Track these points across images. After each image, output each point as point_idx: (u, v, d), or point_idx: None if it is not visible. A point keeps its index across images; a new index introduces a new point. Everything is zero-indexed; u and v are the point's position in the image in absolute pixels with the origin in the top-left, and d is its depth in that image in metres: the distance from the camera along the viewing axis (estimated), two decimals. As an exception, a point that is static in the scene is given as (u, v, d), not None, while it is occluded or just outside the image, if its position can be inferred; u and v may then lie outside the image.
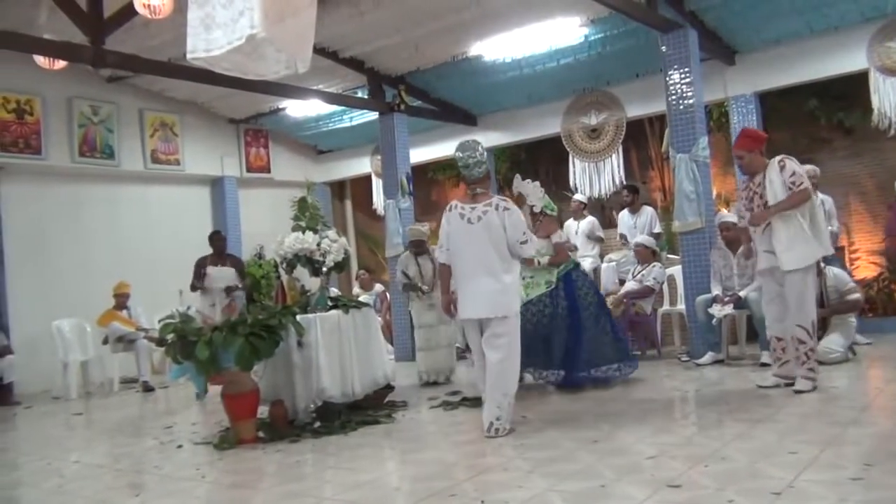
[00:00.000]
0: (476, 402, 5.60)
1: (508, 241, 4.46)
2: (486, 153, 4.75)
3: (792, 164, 5.05)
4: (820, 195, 6.36)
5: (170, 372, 7.79)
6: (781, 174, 5.02)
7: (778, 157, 5.11)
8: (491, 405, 4.45)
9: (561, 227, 9.05)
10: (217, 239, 8.28)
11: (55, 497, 3.98)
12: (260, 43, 4.26)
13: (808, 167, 6.08)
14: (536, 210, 6.10)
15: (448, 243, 4.58)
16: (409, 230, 7.56)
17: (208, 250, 11.38)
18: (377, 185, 11.28)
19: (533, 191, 6.15)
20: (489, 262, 4.43)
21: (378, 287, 10.60)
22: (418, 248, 7.32)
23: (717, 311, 6.63)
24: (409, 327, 9.22)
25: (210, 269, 8.01)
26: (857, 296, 6.38)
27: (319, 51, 8.26)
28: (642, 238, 7.95)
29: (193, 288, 8.11)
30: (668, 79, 7.29)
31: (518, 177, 6.38)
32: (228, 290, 7.98)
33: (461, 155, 4.61)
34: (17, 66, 8.27)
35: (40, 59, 7.00)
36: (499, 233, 4.44)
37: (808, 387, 4.96)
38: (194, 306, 7.25)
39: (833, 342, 6.15)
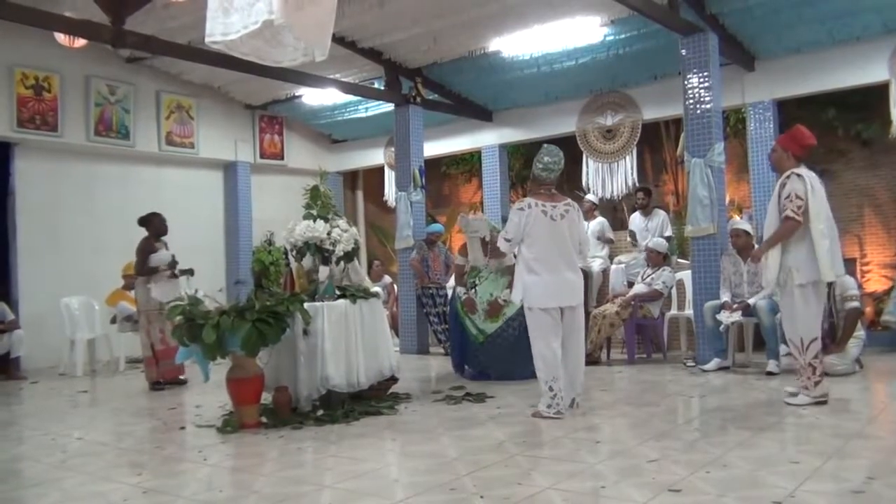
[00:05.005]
0: (479, 398, 5.62)
1: (580, 238, 5.05)
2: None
3: (792, 184, 4.83)
4: None
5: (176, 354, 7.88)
6: (780, 192, 4.89)
7: (789, 172, 4.93)
8: (575, 383, 4.98)
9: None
10: (159, 221, 7.42)
11: (57, 472, 4.01)
12: (279, 30, 4.28)
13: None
14: (487, 239, 6.68)
15: (524, 237, 4.90)
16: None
17: (218, 234, 11.48)
18: (389, 177, 11.28)
19: (480, 224, 6.81)
20: (570, 256, 4.96)
21: (386, 279, 10.61)
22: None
23: (725, 317, 6.60)
24: (415, 320, 9.26)
25: (166, 254, 7.30)
26: (855, 304, 6.20)
27: (338, 40, 8.26)
28: (654, 242, 7.91)
29: (148, 273, 7.21)
30: (686, 82, 7.25)
31: (462, 216, 7.07)
32: (181, 272, 7.35)
33: (549, 160, 5.00)
34: (37, 43, 8.32)
35: (60, 37, 7.03)
36: (575, 230, 5.00)
37: (801, 401, 4.88)
38: (201, 291, 7.15)
39: (840, 354, 6.12)
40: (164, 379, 7.14)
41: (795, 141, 5.04)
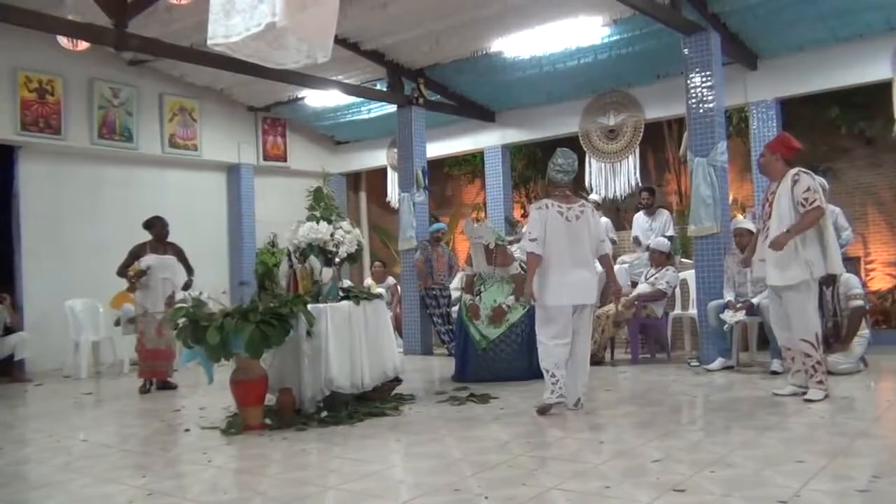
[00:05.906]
0: (483, 399, 5.62)
1: (599, 235, 5.11)
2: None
3: (807, 179, 4.95)
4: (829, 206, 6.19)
5: (179, 356, 7.89)
6: (793, 189, 4.96)
7: (794, 171, 5.02)
8: (579, 383, 5.01)
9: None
10: (160, 225, 7.50)
11: (62, 474, 4.02)
12: (281, 32, 4.27)
13: (818, 179, 5.83)
14: (491, 246, 6.68)
15: (545, 237, 4.94)
16: None
17: (222, 236, 11.49)
18: (392, 178, 11.29)
19: (485, 231, 6.79)
20: (585, 255, 5.03)
21: (389, 280, 10.62)
22: None
23: (729, 317, 6.59)
24: (419, 320, 9.26)
25: (150, 259, 7.29)
26: (858, 303, 6.20)
27: (340, 42, 8.27)
28: (655, 242, 7.91)
29: (121, 275, 7.35)
30: (688, 82, 7.25)
31: (468, 220, 7.18)
32: (185, 287, 7.37)
33: (563, 161, 5.08)
34: (40, 47, 8.35)
35: (63, 40, 7.04)
36: (592, 230, 5.05)
37: (818, 396, 4.94)
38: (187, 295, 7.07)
39: (844, 353, 6.11)
40: (146, 378, 7.16)
41: (783, 144, 5.19)
